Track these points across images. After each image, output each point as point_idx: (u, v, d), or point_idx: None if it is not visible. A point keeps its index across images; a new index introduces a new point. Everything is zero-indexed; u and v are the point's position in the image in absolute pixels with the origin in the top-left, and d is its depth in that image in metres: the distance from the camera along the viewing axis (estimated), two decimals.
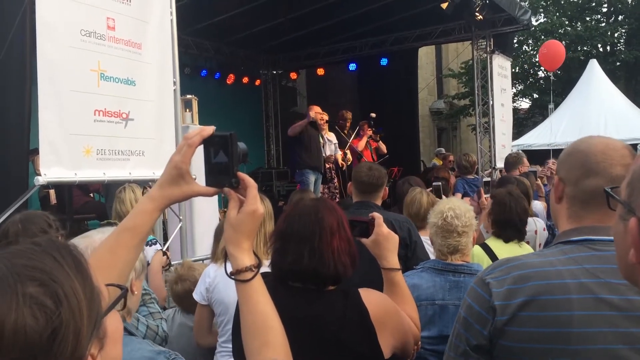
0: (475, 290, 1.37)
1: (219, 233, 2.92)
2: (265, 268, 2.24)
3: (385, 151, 9.70)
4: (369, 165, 3.47)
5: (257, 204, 1.16)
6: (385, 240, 1.76)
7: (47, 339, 0.70)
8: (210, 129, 1.17)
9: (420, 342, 1.78)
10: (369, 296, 1.52)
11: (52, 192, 7.48)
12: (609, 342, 1.22)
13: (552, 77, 16.87)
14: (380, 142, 9.65)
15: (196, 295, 2.66)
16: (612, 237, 1.28)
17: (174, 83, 4.71)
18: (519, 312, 1.27)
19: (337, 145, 8.56)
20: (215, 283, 2.66)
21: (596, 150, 1.36)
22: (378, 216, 1.79)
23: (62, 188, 7.01)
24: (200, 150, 1.19)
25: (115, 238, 1.17)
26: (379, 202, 3.43)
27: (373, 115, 9.50)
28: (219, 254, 2.85)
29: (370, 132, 9.36)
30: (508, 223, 3.30)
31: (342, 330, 1.39)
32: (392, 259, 1.77)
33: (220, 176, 1.18)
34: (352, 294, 1.50)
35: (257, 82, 13.76)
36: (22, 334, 0.69)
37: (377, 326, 1.45)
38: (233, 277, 1.17)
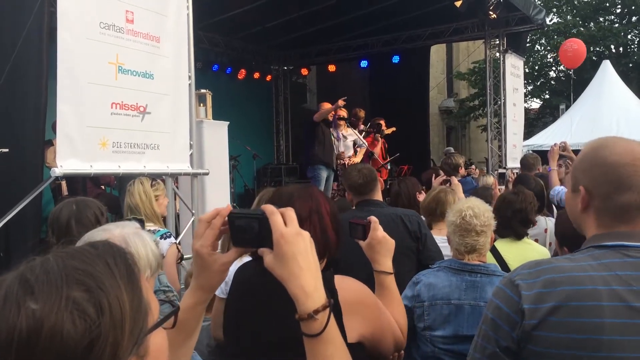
0: (504, 291, 1.34)
1: None
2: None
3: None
4: (357, 168, 3.52)
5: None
6: (379, 244, 1.74)
7: (83, 349, 0.67)
8: (227, 209, 1.10)
9: (403, 352, 1.75)
10: (343, 281, 1.49)
11: (63, 183, 7.54)
12: None
13: (572, 76, 16.66)
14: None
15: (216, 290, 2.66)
16: None
17: (189, 77, 4.72)
18: (549, 317, 1.25)
19: (356, 141, 8.51)
20: None
21: (624, 162, 1.31)
22: (374, 220, 1.77)
23: (74, 179, 7.05)
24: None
25: None
26: (379, 197, 3.46)
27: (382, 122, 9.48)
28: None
29: (383, 141, 9.37)
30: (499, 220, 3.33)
31: None
32: (384, 263, 1.75)
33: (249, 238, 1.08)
34: (326, 276, 1.46)
35: (268, 78, 13.79)
36: (58, 339, 0.66)
37: (346, 309, 1.41)
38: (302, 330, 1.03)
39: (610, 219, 1.34)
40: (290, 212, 1.05)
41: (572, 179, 1.44)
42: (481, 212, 2.56)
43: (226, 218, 1.09)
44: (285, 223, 1.03)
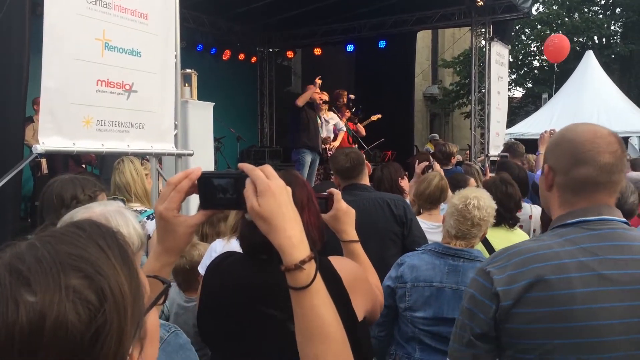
0: (477, 280, 1.41)
1: None
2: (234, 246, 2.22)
3: (363, 133, 9.59)
4: (344, 152, 3.49)
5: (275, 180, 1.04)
6: (344, 215, 1.76)
7: (89, 340, 0.63)
8: (197, 171, 1.06)
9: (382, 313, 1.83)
10: (339, 263, 1.53)
11: (43, 161, 7.43)
12: (617, 317, 1.27)
13: (556, 69, 16.83)
14: (359, 124, 9.56)
15: (201, 269, 2.66)
16: (605, 216, 1.36)
17: (175, 56, 4.67)
18: (524, 294, 1.31)
19: (337, 124, 8.47)
20: None
21: (584, 139, 1.38)
22: (336, 192, 1.79)
23: (55, 157, 6.95)
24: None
25: None
26: (366, 182, 3.45)
27: (352, 96, 9.44)
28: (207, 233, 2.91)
29: (348, 114, 9.27)
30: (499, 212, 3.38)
31: None
32: (351, 232, 1.79)
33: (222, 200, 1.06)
34: (323, 262, 1.47)
35: (253, 60, 13.65)
36: (62, 332, 0.62)
37: (350, 291, 1.46)
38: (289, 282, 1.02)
39: (571, 195, 1.41)
40: (270, 168, 1.03)
41: (542, 162, 1.52)
42: (485, 205, 2.59)
43: (195, 181, 1.06)
44: (267, 177, 1.01)
